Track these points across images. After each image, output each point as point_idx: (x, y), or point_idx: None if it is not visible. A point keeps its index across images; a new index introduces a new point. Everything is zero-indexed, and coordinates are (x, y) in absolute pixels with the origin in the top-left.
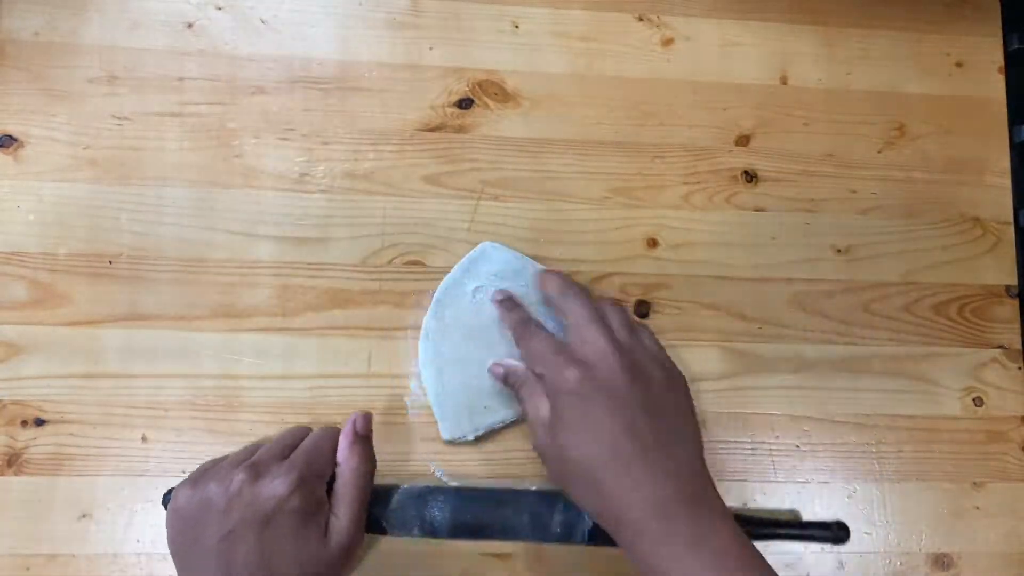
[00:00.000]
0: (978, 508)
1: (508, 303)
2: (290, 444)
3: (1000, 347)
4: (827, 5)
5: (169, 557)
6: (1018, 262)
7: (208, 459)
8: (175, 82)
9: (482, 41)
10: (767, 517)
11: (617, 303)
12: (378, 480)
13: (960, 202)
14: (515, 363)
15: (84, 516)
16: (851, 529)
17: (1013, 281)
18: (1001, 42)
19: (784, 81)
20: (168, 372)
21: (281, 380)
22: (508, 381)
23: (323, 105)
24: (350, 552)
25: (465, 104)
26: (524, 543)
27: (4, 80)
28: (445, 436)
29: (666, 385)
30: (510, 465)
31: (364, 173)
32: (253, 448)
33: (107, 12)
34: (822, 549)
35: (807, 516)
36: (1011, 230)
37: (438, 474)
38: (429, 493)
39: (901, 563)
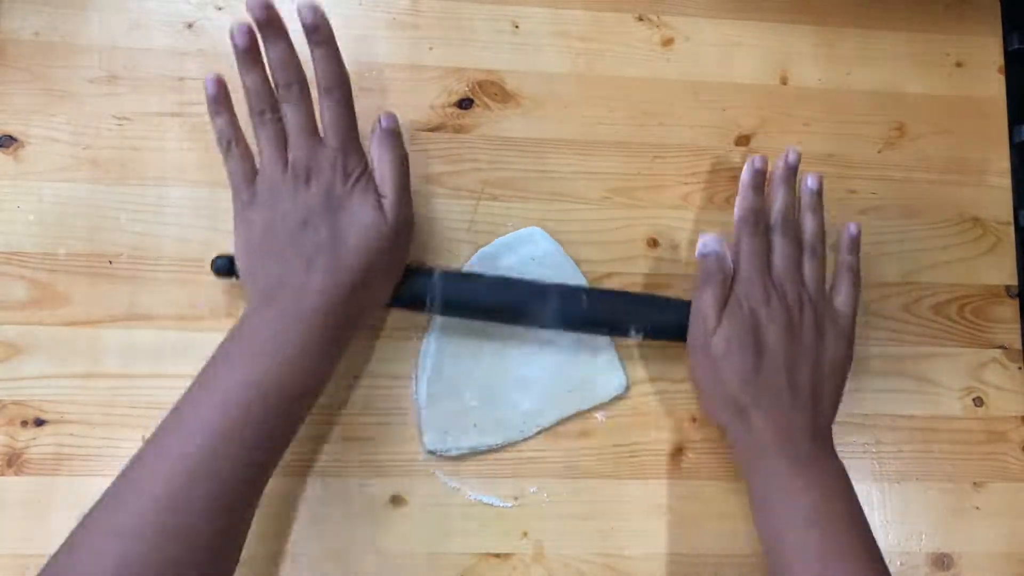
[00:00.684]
0: (978, 508)
1: (757, 179)
2: (311, 125)
3: (1000, 347)
4: (827, 5)
5: None
6: (1018, 262)
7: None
8: (175, 82)
9: (482, 41)
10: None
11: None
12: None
13: (960, 202)
14: (721, 247)
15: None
16: None
17: (1013, 281)
18: (1001, 42)
19: (784, 81)
20: (168, 372)
21: None
22: (702, 262)
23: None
24: (405, 227)
25: (465, 104)
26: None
27: (4, 80)
28: (427, 446)
29: (836, 344)
30: (524, 465)
31: None
32: (273, 130)
33: (107, 12)
34: None
35: None
36: (1011, 230)
37: (442, 479)
38: (470, 276)
39: (901, 563)
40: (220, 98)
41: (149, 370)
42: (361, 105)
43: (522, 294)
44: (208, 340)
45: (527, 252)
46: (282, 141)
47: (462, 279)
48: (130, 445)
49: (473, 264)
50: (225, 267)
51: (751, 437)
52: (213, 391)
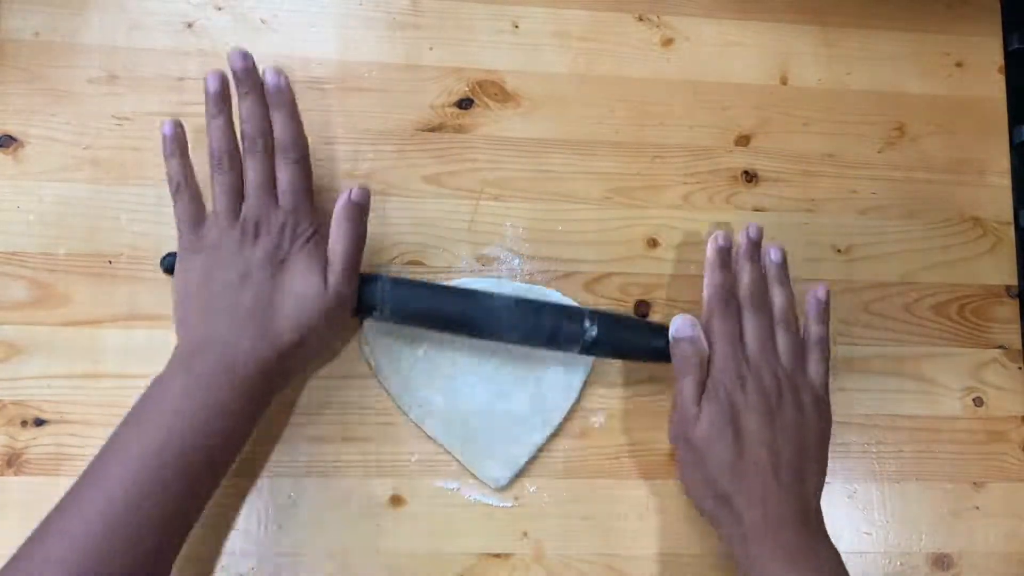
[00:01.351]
0: (978, 508)
1: (723, 256)
2: (269, 183)
3: (1000, 347)
4: (827, 5)
5: None
6: (1018, 262)
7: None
8: (175, 82)
9: (482, 41)
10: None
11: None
12: None
13: (960, 202)
14: (695, 331)
15: None
16: (851, 529)
17: (1013, 281)
18: (1001, 42)
19: (784, 81)
20: None
21: None
22: (676, 347)
23: (323, 105)
24: (344, 301)
25: (465, 104)
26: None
27: (4, 80)
28: (500, 483)
29: (815, 417)
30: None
31: (364, 173)
32: (229, 180)
33: (107, 12)
34: None
35: None
36: (1011, 230)
37: (442, 479)
38: (427, 286)
39: (901, 563)
40: (176, 141)
41: (149, 370)
42: (361, 105)
43: (475, 307)
44: None
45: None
46: (237, 193)
47: (410, 286)
48: None
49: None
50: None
51: (738, 527)
52: (126, 454)
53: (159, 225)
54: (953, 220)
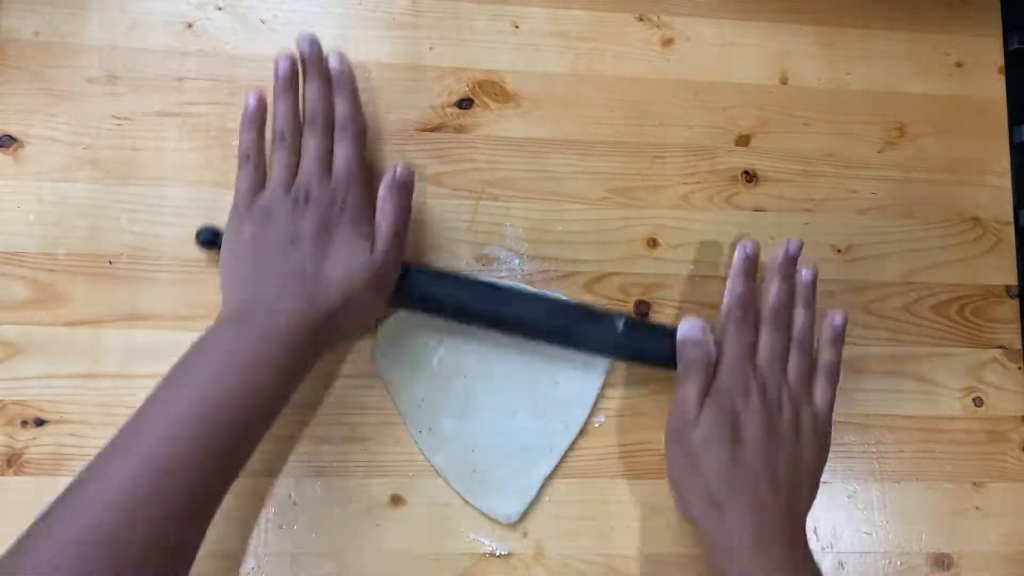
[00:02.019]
0: (978, 508)
1: (748, 266)
2: (324, 158)
3: (1000, 347)
4: (827, 5)
5: None
6: (1018, 262)
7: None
8: (175, 82)
9: (482, 41)
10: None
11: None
12: None
13: (960, 202)
14: (704, 335)
15: None
16: (851, 529)
17: (1013, 281)
18: (1001, 42)
19: (784, 81)
20: None
21: None
22: (683, 348)
23: None
24: (389, 273)
25: (465, 104)
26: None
27: (4, 80)
28: (512, 519)
29: (814, 440)
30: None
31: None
32: (287, 155)
33: (107, 12)
34: (822, 549)
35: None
36: (1011, 230)
37: (442, 479)
38: (474, 283)
39: (901, 563)
40: (256, 116)
41: (149, 370)
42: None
43: (502, 302)
44: None
45: None
46: (294, 166)
47: (439, 277)
48: None
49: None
50: (211, 239)
51: (725, 535)
52: (170, 404)
53: (159, 225)
54: (953, 220)
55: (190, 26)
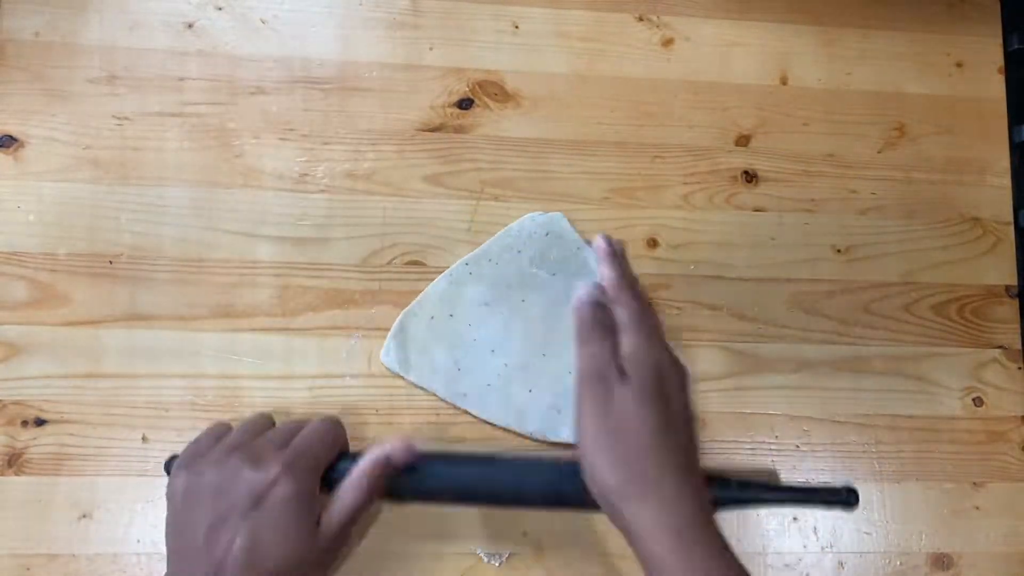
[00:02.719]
0: (978, 508)
1: (616, 251)
2: (290, 434)
3: (1000, 347)
4: (827, 5)
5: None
6: (1018, 262)
7: (203, 432)
8: (175, 82)
9: (482, 41)
10: (770, 483)
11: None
12: None
13: (960, 202)
14: (593, 301)
15: (84, 516)
16: (851, 529)
17: (1013, 281)
18: (1001, 42)
19: (784, 81)
20: (168, 372)
21: (281, 380)
22: (584, 308)
23: (323, 105)
24: (337, 551)
25: (465, 104)
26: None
27: (4, 80)
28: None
29: (684, 396)
30: None
31: (364, 173)
32: (251, 428)
33: (107, 12)
34: (822, 549)
35: (808, 521)
36: (1011, 230)
37: None
38: (440, 462)
39: (901, 563)
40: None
41: (149, 370)
42: (361, 105)
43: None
44: (208, 340)
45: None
46: (252, 438)
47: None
48: (130, 445)
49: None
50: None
51: (661, 509)
52: None
53: (159, 225)
54: (953, 220)
55: (190, 26)
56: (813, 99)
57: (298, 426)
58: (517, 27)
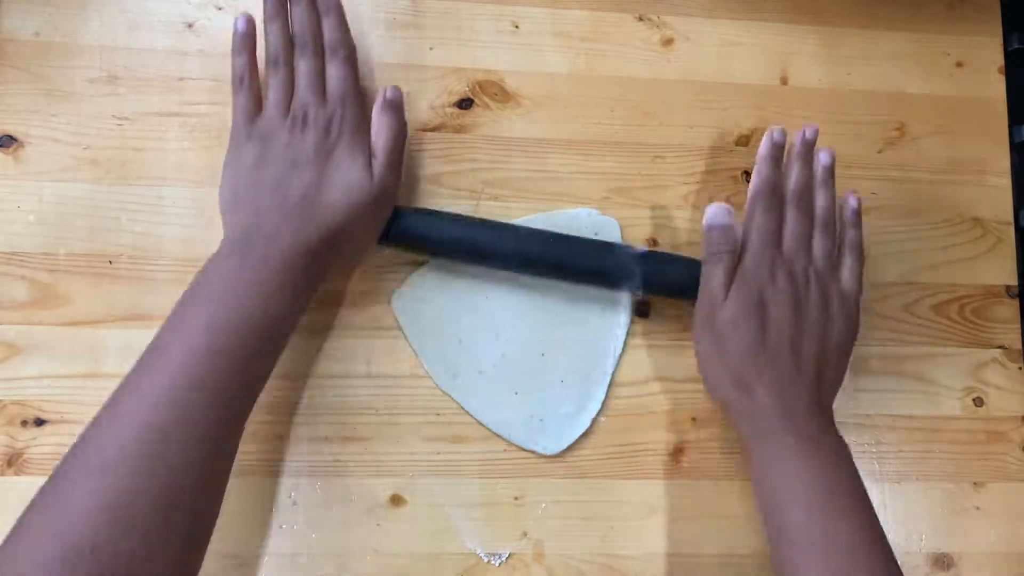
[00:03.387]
0: (978, 508)
1: (775, 152)
2: (318, 79)
3: (1000, 347)
4: (827, 5)
5: None
6: (1018, 262)
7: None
8: (175, 82)
9: (482, 41)
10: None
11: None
12: None
13: (960, 202)
14: (729, 219)
15: None
16: None
17: (1013, 281)
18: (1001, 42)
19: (784, 81)
20: None
21: (281, 380)
22: (709, 235)
23: None
24: (388, 191)
25: (465, 104)
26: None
27: (4, 80)
28: (555, 451)
29: (842, 320)
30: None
31: None
32: (283, 77)
33: (107, 12)
34: None
35: None
36: (1011, 230)
37: (442, 479)
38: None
39: (901, 563)
40: (246, 37)
41: None
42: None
43: (506, 237)
44: None
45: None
46: (289, 90)
47: (439, 218)
48: None
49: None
50: None
51: (754, 414)
52: (182, 333)
53: (159, 225)
54: (953, 220)
55: (190, 26)
56: (813, 99)
57: (317, 59)
58: (517, 27)
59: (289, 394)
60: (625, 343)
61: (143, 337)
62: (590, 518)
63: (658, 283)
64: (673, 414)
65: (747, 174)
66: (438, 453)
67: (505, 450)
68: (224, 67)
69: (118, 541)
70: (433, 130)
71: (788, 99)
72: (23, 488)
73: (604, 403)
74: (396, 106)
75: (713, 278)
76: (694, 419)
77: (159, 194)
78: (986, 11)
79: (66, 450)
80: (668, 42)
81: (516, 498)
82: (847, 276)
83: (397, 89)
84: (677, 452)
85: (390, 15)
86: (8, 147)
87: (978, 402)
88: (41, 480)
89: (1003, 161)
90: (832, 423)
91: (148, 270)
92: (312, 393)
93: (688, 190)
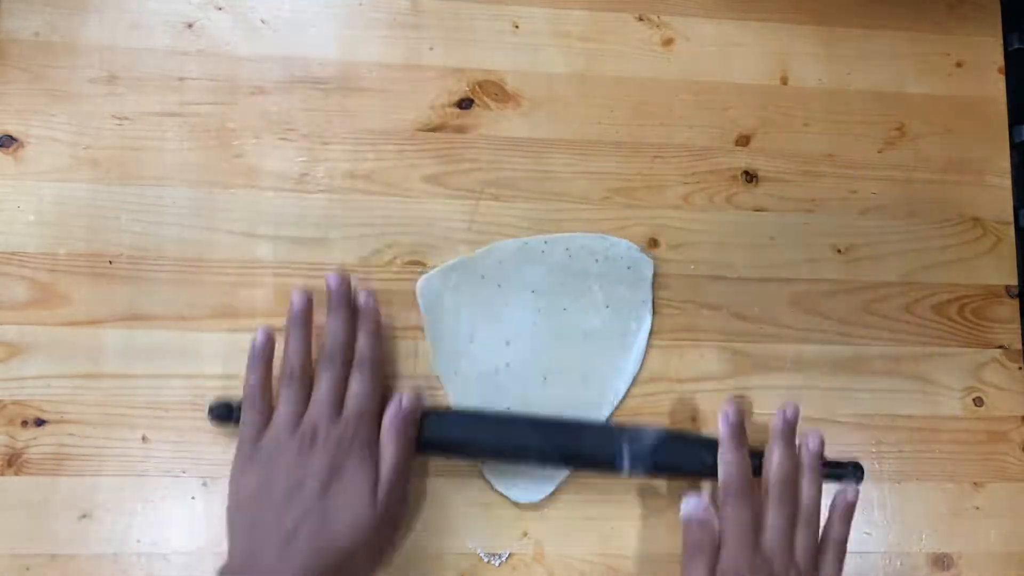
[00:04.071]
0: (978, 508)
1: (737, 433)
2: (336, 396)
3: (1000, 347)
4: (827, 5)
5: (168, 557)
6: (1018, 262)
7: (245, 404)
8: (175, 82)
9: (482, 41)
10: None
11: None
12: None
13: (960, 202)
14: (707, 513)
15: (84, 516)
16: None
17: (1013, 281)
18: (1001, 42)
19: (784, 81)
20: (168, 372)
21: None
22: (687, 529)
23: (323, 105)
24: (394, 515)
25: (465, 104)
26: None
27: (4, 80)
28: (534, 499)
29: None
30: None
31: (364, 173)
32: (293, 393)
33: (107, 12)
34: None
35: None
36: (1011, 230)
37: (442, 478)
38: (482, 419)
39: (901, 563)
40: (264, 352)
41: (149, 370)
42: (361, 105)
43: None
44: (208, 340)
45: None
46: (302, 407)
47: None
48: (130, 445)
49: (540, 245)
50: (225, 414)
51: None
52: None
53: (159, 225)
54: (953, 220)
55: (190, 26)
56: (813, 99)
57: (337, 379)
58: (517, 27)
59: None
60: (626, 392)
61: (143, 337)
62: (590, 518)
63: (671, 469)
64: (673, 414)
65: (747, 174)
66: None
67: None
68: (224, 67)
69: None
70: (433, 130)
71: (788, 99)
72: (23, 488)
73: None
74: (410, 421)
75: (695, 574)
76: (694, 419)
77: (159, 194)
78: (986, 11)
79: (65, 450)
80: (668, 42)
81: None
82: (827, 572)
83: (415, 399)
84: None
85: (390, 15)
86: (8, 147)
87: (978, 402)
88: (41, 480)
89: (1003, 161)
90: None
91: (148, 270)
92: None
93: (688, 190)
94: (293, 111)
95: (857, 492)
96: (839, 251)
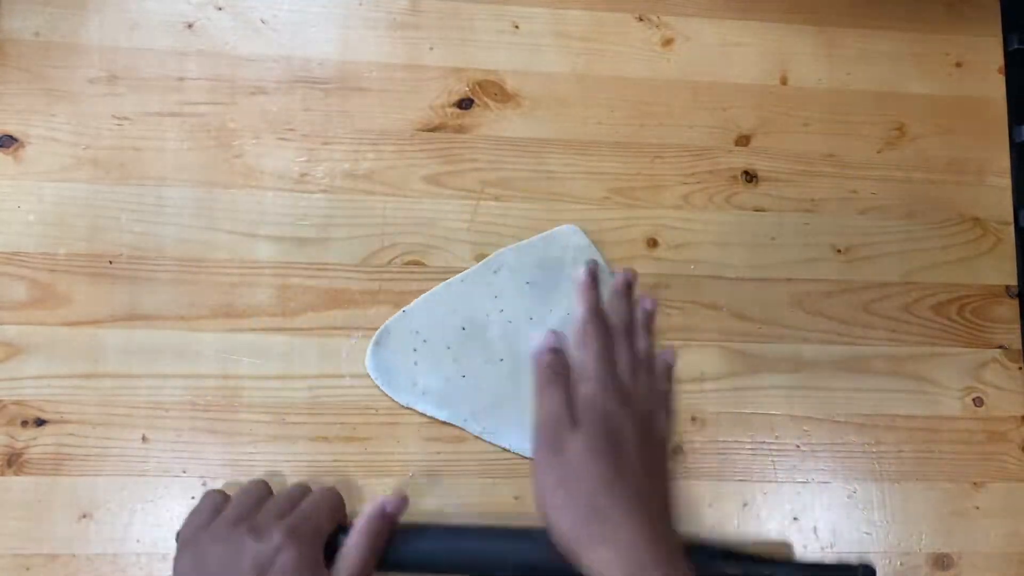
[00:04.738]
0: (978, 508)
1: (591, 281)
2: (291, 503)
3: (1000, 347)
4: (827, 5)
5: (168, 557)
6: (1018, 262)
7: (201, 502)
8: (175, 82)
9: (482, 41)
10: (780, 559)
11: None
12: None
13: (960, 202)
14: (561, 344)
15: (84, 516)
16: (851, 529)
17: (1013, 281)
18: (1001, 42)
19: (784, 81)
20: (168, 372)
21: (281, 380)
22: (540, 358)
23: (323, 105)
24: None
25: (465, 104)
26: None
27: (4, 80)
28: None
29: (640, 445)
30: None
31: (364, 173)
32: (248, 498)
33: (107, 12)
34: (822, 549)
35: (808, 521)
36: (1011, 230)
37: (442, 479)
38: (437, 535)
39: (901, 563)
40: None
41: (149, 370)
42: (361, 105)
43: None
44: (208, 340)
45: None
46: (254, 504)
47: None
48: (130, 445)
49: (507, 255)
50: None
51: (612, 547)
52: None
53: (159, 225)
54: (953, 220)
55: (190, 26)
56: (813, 99)
57: (297, 493)
58: (517, 27)
59: (289, 394)
60: None
61: (143, 337)
62: None
63: None
64: None
65: (747, 174)
66: (438, 453)
67: (505, 450)
68: (224, 67)
69: None
70: (433, 130)
71: (788, 99)
72: (23, 488)
73: None
74: (389, 525)
75: (556, 401)
76: (694, 419)
77: (159, 194)
78: (986, 11)
79: (65, 450)
80: (668, 42)
81: (516, 498)
82: (660, 373)
83: (401, 502)
84: (676, 452)
85: (390, 15)
86: (8, 147)
87: (978, 402)
88: (41, 480)
89: (1003, 161)
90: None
91: (148, 270)
92: (312, 393)
93: (688, 190)
94: (293, 111)
95: (654, 302)
96: (839, 251)
